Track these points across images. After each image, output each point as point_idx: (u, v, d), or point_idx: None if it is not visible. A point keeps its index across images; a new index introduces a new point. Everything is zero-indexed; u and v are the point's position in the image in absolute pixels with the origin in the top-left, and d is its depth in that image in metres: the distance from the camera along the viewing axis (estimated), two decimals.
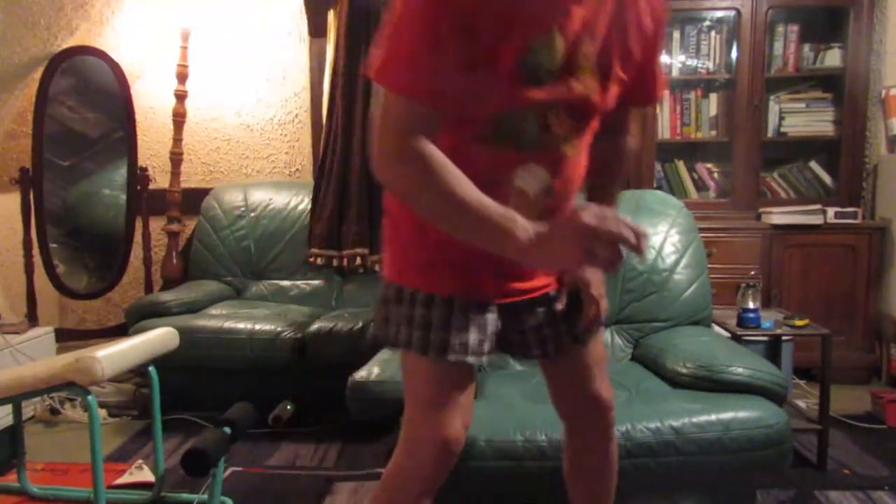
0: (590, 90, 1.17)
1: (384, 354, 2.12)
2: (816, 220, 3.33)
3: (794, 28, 3.51)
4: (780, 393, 1.92)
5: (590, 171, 1.34)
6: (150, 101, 3.89)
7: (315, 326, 2.94)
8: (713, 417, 1.79)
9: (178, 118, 3.68)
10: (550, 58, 1.10)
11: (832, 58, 3.48)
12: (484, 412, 1.70)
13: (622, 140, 1.41)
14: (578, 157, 1.26)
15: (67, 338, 3.56)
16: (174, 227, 3.72)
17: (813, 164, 3.59)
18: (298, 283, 3.55)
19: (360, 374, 2.00)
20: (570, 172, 1.26)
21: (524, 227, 1.04)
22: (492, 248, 1.07)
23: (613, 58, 1.17)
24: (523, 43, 1.08)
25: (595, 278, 1.40)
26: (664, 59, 3.57)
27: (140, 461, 2.55)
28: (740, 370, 1.93)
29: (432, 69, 1.05)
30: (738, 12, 3.43)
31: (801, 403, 2.81)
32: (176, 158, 3.70)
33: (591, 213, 0.99)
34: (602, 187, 1.42)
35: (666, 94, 3.57)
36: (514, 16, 1.06)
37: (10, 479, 2.38)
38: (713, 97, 3.60)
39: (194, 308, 3.22)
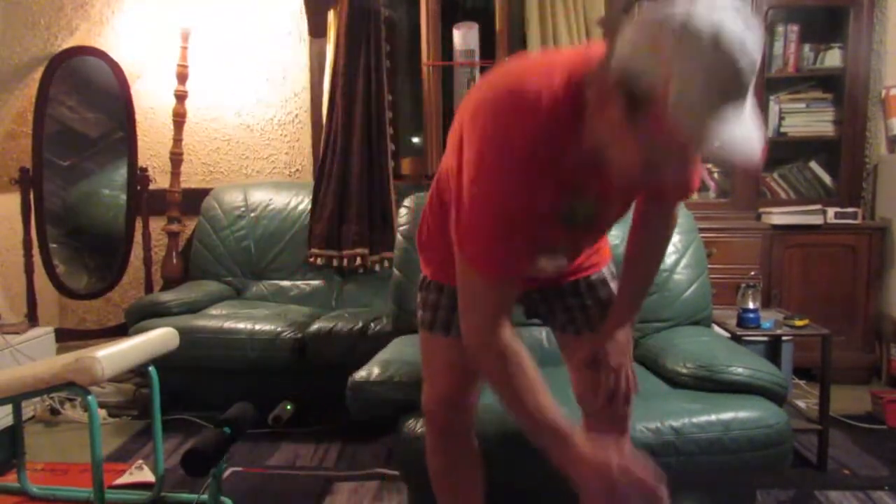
0: (616, 217, 1.38)
1: (384, 354, 2.12)
2: (816, 220, 3.33)
3: (794, 28, 3.51)
4: (780, 393, 1.92)
5: (628, 258, 1.51)
6: (150, 101, 3.89)
7: (315, 326, 2.94)
8: (713, 417, 1.79)
9: (178, 118, 3.68)
10: (581, 211, 1.27)
11: (832, 58, 3.48)
12: (483, 409, 1.70)
13: (661, 234, 1.50)
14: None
15: (67, 338, 3.56)
16: (174, 227, 3.72)
17: (813, 165, 3.59)
18: (298, 283, 3.55)
19: (360, 374, 1.99)
20: (589, 252, 1.53)
21: (575, 451, 1.13)
22: (541, 447, 1.19)
23: (645, 193, 1.38)
24: (566, 204, 1.24)
25: (615, 349, 1.45)
26: None
27: (140, 461, 2.56)
28: (740, 370, 1.93)
29: (513, 249, 1.19)
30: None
31: (801, 403, 2.81)
32: (176, 158, 3.70)
33: (623, 471, 1.08)
34: (635, 277, 1.52)
35: None
36: (565, 187, 1.19)
37: (10, 479, 2.38)
38: None
39: (194, 308, 3.22)
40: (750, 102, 0.98)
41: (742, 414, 1.80)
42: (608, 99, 1.02)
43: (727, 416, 1.79)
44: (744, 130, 0.96)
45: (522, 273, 1.25)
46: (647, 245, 1.49)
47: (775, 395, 1.90)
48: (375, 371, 1.99)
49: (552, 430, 1.15)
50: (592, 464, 1.10)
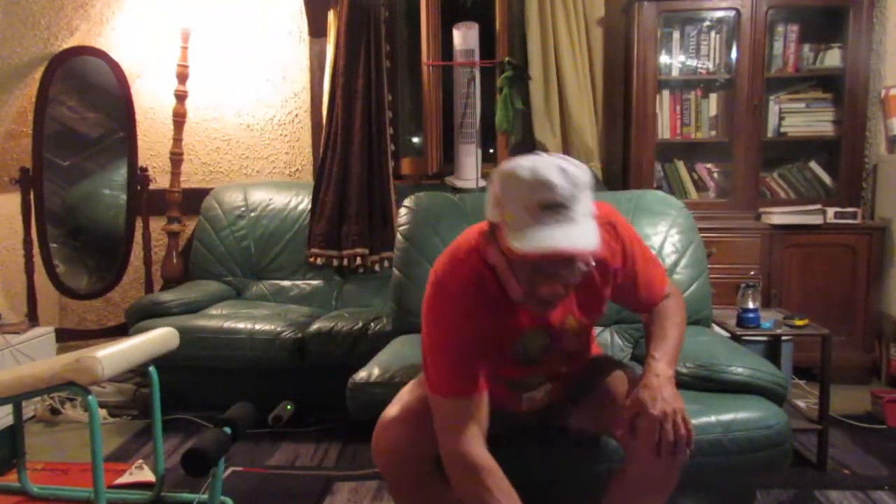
0: (575, 346, 1.57)
1: (384, 355, 2.12)
2: (816, 220, 3.33)
3: (794, 28, 3.51)
4: (780, 393, 1.91)
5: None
6: (150, 101, 3.90)
7: (315, 326, 2.94)
8: (713, 419, 1.78)
9: (178, 118, 3.68)
10: (534, 344, 1.50)
11: (832, 58, 3.48)
12: None
13: (657, 315, 1.59)
14: (577, 366, 1.60)
15: (67, 338, 3.56)
16: (174, 227, 3.73)
17: (813, 164, 3.59)
18: (298, 283, 3.56)
19: (360, 374, 1.99)
20: (571, 377, 1.62)
21: None
22: None
23: (592, 312, 1.54)
24: (513, 337, 1.48)
25: (650, 395, 1.40)
26: (665, 59, 3.58)
27: (140, 461, 2.56)
28: (740, 370, 1.92)
29: (462, 373, 1.41)
30: (738, 12, 3.43)
31: (801, 403, 2.81)
32: (176, 158, 3.71)
33: None
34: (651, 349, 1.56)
35: (666, 94, 3.58)
36: (510, 324, 1.45)
37: (11, 479, 2.38)
38: (713, 97, 3.60)
39: (194, 308, 3.22)
40: (583, 213, 1.25)
41: (742, 415, 1.79)
42: (491, 241, 1.35)
43: (727, 417, 1.78)
44: (573, 233, 1.23)
45: (475, 391, 1.42)
46: (657, 317, 1.59)
47: (775, 395, 1.90)
48: (375, 372, 1.99)
49: None
50: None
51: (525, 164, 1.27)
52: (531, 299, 1.35)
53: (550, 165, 1.25)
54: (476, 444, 1.38)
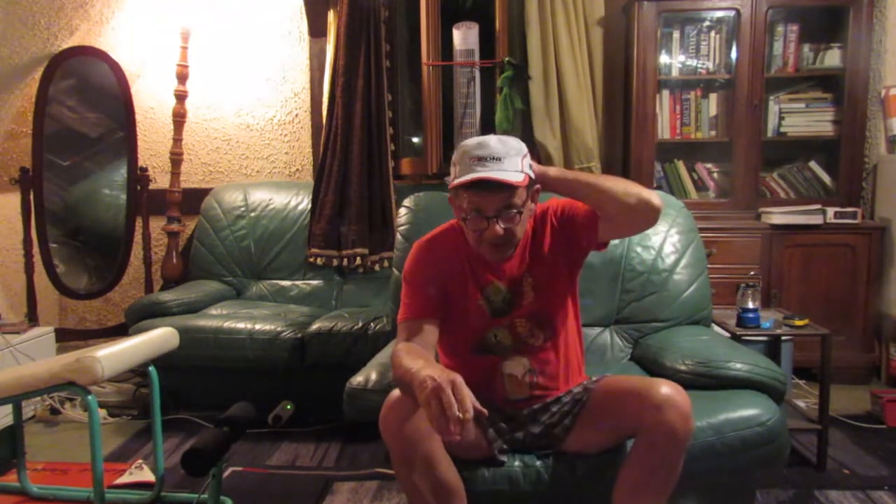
0: (538, 303, 1.72)
1: (382, 357, 2.12)
2: (816, 220, 3.33)
3: (794, 28, 3.51)
4: (779, 388, 1.91)
5: None
6: (150, 101, 3.90)
7: (315, 326, 2.94)
8: (703, 423, 1.75)
9: (178, 118, 3.69)
10: (497, 296, 1.72)
11: (832, 58, 3.48)
12: None
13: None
14: (553, 345, 1.74)
15: (67, 338, 3.56)
16: (174, 227, 3.73)
17: (813, 164, 3.59)
18: (298, 283, 3.56)
19: (357, 379, 1.98)
20: (550, 358, 1.73)
21: (413, 374, 1.45)
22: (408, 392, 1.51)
23: (552, 273, 1.73)
24: (478, 291, 1.72)
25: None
26: (665, 59, 3.58)
27: (140, 461, 2.56)
28: (739, 366, 1.92)
29: (413, 305, 1.70)
30: (738, 12, 3.43)
31: (801, 403, 2.81)
32: (176, 158, 3.71)
33: (434, 388, 1.36)
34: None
35: (665, 94, 3.58)
36: (466, 277, 1.72)
37: (11, 479, 2.38)
38: (713, 97, 3.60)
39: (194, 308, 3.22)
40: (513, 168, 1.57)
41: (733, 415, 1.78)
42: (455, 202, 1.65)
43: (718, 419, 1.76)
44: (498, 173, 1.54)
45: (425, 315, 1.67)
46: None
47: (774, 391, 1.90)
48: (373, 377, 1.98)
49: (407, 371, 1.46)
50: (418, 378, 1.41)
51: (475, 137, 1.63)
52: (482, 244, 1.62)
53: (492, 136, 1.61)
54: (405, 344, 1.64)
